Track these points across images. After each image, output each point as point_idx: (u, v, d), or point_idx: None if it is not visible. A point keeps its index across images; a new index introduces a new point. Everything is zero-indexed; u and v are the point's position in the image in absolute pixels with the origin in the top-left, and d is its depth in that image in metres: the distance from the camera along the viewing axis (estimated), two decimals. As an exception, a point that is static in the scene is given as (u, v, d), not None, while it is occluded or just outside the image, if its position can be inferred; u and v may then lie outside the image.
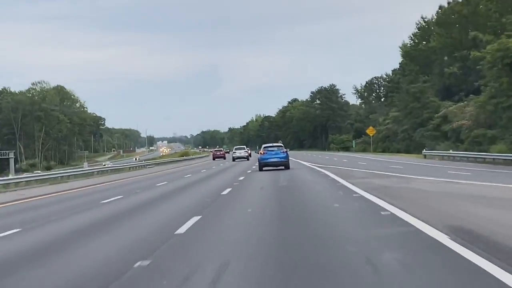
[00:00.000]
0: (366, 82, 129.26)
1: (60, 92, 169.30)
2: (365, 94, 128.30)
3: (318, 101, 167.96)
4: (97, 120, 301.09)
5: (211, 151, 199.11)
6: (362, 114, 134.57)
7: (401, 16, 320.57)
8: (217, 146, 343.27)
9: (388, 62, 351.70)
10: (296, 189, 22.69)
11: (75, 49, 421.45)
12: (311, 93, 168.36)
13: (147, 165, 78.30)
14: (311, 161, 57.79)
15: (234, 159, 72.27)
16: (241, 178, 32.81)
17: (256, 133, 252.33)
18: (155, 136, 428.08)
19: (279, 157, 39.78)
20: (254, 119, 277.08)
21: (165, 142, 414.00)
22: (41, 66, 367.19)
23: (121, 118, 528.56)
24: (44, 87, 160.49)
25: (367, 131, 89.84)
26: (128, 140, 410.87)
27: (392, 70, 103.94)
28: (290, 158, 42.05)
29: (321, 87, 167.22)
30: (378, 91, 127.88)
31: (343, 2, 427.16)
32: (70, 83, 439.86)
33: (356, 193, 18.83)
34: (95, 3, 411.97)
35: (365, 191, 19.09)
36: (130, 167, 69.98)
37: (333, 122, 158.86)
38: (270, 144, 44.19)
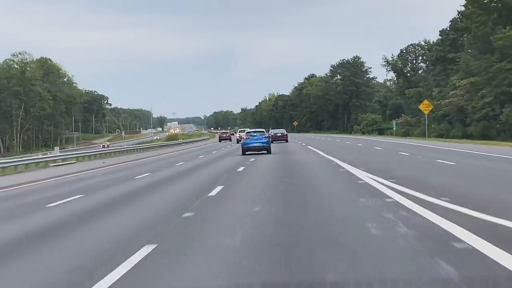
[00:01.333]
0: (401, 51, 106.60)
1: (44, 65, 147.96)
2: (399, 64, 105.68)
3: (339, 76, 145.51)
4: (99, 99, 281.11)
5: (216, 133, 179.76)
6: (395, 90, 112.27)
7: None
8: (228, 128, 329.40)
9: (423, 27, 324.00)
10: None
11: (91, 30, 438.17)
12: (331, 67, 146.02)
13: (137, 149, 67.51)
14: (335, 153, 36.67)
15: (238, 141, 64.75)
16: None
17: (269, 114, 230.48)
18: (168, 117, 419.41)
19: (261, 142, 41.36)
20: (268, 98, 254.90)
21: (175, 123, 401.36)
22: (55, 47, 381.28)
23: (134, 98, 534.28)
24: (26, 58, 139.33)
25: (421, 107, 66.06)
26: (138, 121, 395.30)
27: (440, 31, 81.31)
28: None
29: (343, 60, 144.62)
30: (415, 61, 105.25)
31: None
32: (85, 63, 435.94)
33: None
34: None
35: None
36: (101, 153, 55.09)
37: (356, 100, 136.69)
38: (253, 130, 46.82)
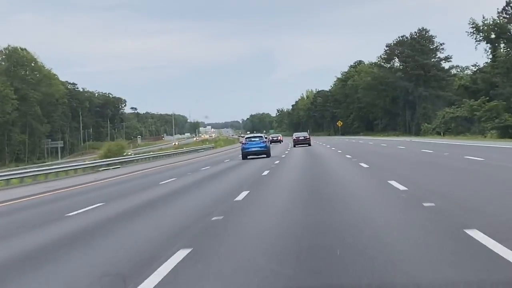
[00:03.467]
0: (503, 8, 69.04)
1: (12, 56, 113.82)
2: (496, 29, 68.52)
3: (398, 59, 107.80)
4: (114, 102, 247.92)
5: (239, 137, 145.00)
6: (488, 71, 75.18)
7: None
8: (264, 131, 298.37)
9: None
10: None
11: (130, 38, 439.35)
12: (387, 46, 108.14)
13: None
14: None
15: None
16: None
17: (307, 113, 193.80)
18: (206, 122, 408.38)
19: (260, 147, 42.06)
20: (305, 96, 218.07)
21: (209, 127, 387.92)
22: (92, 55, 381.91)
23: (169, 104, 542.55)
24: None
25: None
26: (169, 126, 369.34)
27: None
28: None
29: (403, 36, 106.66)
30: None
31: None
32: (122, 71, 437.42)
33: None
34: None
35: None
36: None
37: (425, 89, 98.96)
38: (252, 135, 48.12)
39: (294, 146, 63.69)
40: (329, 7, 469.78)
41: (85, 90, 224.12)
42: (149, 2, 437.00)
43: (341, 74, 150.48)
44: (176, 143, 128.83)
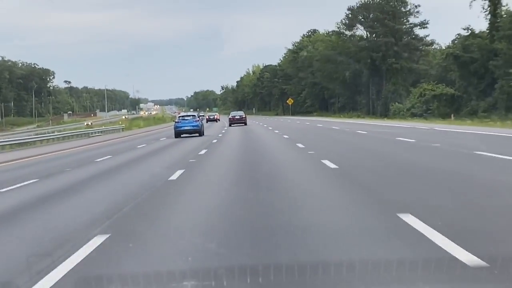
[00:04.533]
0: None
1: None
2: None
3: (362, 26, 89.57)
4: (40, 74, 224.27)
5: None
6: (482, 45, 58.41)
7: None
8: (207, 109, 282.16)
9: None
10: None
11: (74, 11, 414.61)
12: (348, 9, 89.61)
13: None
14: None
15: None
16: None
17: (253, 90, 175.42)
18: (150, 99, 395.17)
19: (192, 125, 42.23)
20: (251, 72, 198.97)
21: (151, 104, 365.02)
22: (39, 27, 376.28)
23: (111, 80, 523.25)
24: None
25: None
26: (110, 102, 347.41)
27: None
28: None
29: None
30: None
31: None
32: (66, 45, 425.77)
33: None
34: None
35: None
36: None
37: (395, 60, 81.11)
38: (185, 114, 50.49)
39: (230, 125, 64.14)
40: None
41: (5, 59, 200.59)
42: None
43: (292, 45, 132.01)
44: (90, 123, 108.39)
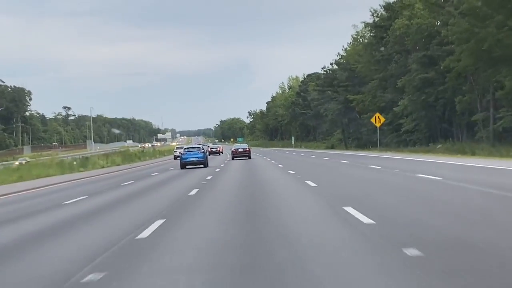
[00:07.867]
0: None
1: None
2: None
3: None
4: (14, 96, 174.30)
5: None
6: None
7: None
8: (231, 139, 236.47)
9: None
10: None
11: (103, 44, 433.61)
12: None
13: None
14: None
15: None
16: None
17: (290, 111, 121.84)
18: (178, 130, 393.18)
19: (197, 157, 43.40)
20: (287, 88, 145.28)
21: (168, 134, 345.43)
22: (72, 61, 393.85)
23: (140, 110, 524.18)
24: None
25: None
26: (126, 132, 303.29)
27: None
28: None
29: None
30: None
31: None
32: (96, 78, 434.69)
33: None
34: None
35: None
36: None
37: None
38: (190, 146, 51.45)
39: (233, 159, 60.84)
40: (310, 17, 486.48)
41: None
42: (126, 8, 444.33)
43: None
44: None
